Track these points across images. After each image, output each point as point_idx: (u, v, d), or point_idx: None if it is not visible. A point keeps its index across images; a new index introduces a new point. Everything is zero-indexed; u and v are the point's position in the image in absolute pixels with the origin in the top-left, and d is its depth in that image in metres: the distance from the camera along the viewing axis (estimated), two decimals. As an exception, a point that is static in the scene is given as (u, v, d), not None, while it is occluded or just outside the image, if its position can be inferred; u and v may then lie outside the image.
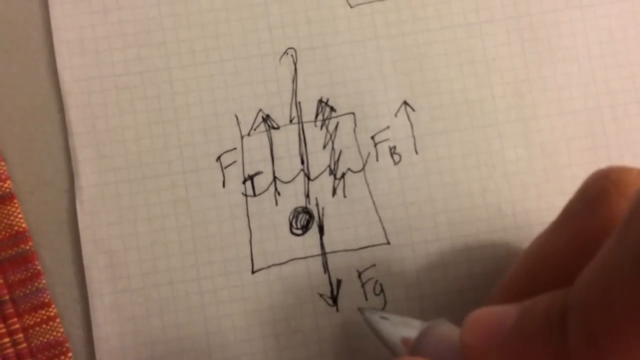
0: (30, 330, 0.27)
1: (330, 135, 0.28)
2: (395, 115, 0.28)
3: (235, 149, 0.28)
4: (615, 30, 0.29)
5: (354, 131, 0.28)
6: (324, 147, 0.28)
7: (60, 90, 0.28)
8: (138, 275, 0.27)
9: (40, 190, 0.28)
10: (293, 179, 0.28)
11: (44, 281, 0.27)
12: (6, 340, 0.27)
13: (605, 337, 0.16)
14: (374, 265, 0.28)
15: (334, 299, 0.28)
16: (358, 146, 0.28)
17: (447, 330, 0.22)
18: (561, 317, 0.17)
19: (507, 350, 0.19)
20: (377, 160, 0.28)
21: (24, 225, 0.27)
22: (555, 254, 0.21)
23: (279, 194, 0.28)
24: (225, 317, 0.27)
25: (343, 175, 0.28)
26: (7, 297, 0.27)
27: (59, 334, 0.27)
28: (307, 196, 0.28)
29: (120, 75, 0.28)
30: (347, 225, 0.28)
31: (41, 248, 0.27)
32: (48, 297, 0.27)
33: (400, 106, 0.29)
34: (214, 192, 0.28)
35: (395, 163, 0.28)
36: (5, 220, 0.27)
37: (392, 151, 0.28)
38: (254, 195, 0.28)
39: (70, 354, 0.27)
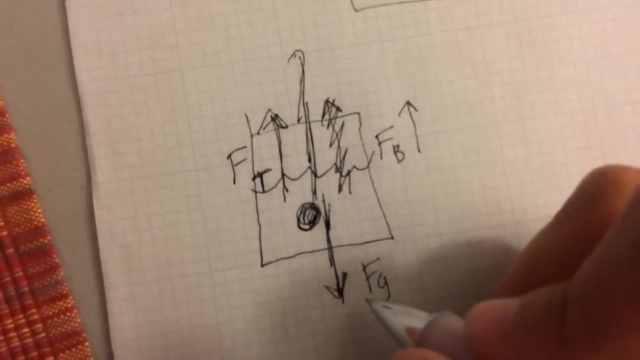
0: (49, 321, 0.28)
1: (337, 134, 0.29)
2: (399, 115, 0.29)
3: (245, 147, 0.29)
4: (610, 34, 0.30)
5: (359, 130, 0.29)
6: (330, 145, 0.29)
7: (78, 91, 0.29)
8: (152, 268, 0.28)
9: (58, 187, 0.29)
10: (300, 176, 0.29)
11: (61, 274, 0.28)
12: (25, 330, 0.28)
13: (603, 324, 0.16)
14: (378, 259, 0.29)
15: (340, 291, 0.28)
16: (363, 145, 0.29)
17: (452, 322, 0.23)
18: (561, 308, 0.18)
19: (509, 340, 0.19)
20: (381, 158, 0.29)
21: (42, 220, 0.28)
22: (554, 250, 0.22)
23: (287, 190, 0.29)
24: (236, 308, 0.28)
25: (349, 173, 0.29)
26: (26, 289, 0.28)
27: (76, 324, 0.28)
28: (314, 193, 0.29)
29: (135, 77, 0.29)
30: (353, 220, 0.29)
31: (59, 242, 0.28)
32: (66, 288, 0.28)
33: (404, 106, 0.29)
34: (225, 188, 0.29)
35: (399, 161, 0.29)
36: (25, 215, 0.28)
37: (396, 149, 0.29)
38: (263, 191, 0.29)
39: (87, 343, 0.28)
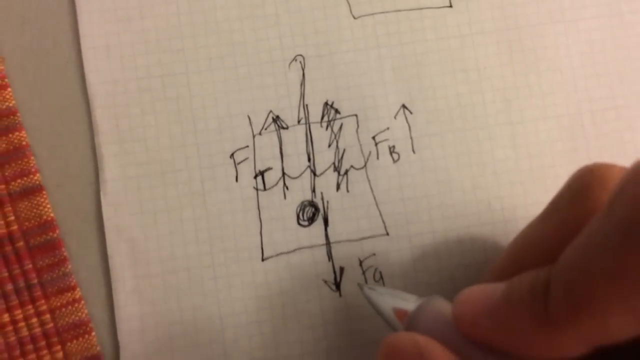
0: (57, 312, 0.29)
1: (335, 135, 0.31)
2: (395, 117, 0.31)
3: (247, 146, 0.30)
4: (595, 43, 0.32)
5: (357, 132, 0.31)
6: (329, 146, 0.30)
7: (87, 92, 0.30)
8: (157, 262, 0.29)
9: (67, 183, 0.30)
10: (300, 174, 0.30)
11: (69, 266, 0.29)
12: (34, 320, 0.29)
13: (584, 300, 0.17)
14: (374, 254, 0.30)
15: (337, 285, 0.30)
16: (360, 145, 0.31)
17: (441, 305, 0.23)
18: (544, 286, 0.18)
19: (495, 319, 0.20)
20: (377, 158, 0.30)
21: (51, 214, 0.29)
22: (541, 242, 0.23)
23: (287, 188, 0.30)
24: (238, 300, 0.29)
25: (346, 172, 0.30)
26: (35, 281, 0.29)
27: (84, 315, 0.29)
28: (313, 191, 0.30)
29: (143, 79, 0.30)
30: (350, 217, 0.30)
31: (67, 236, 0.29)
32: (73, 281, 0.29)
33: (399, 109, 0.31)
34: (228, 186, 0.30)
35: (394, 161, 0.30)
36: (35, 210, 0.29)
37: (392, 150, 0.31)
38: (264, 189, 0.30)
39: (93, 333, 0.29)
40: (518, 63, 0.31)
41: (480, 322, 0.20)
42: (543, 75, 0.31)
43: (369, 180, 0.30)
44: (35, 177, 0.29)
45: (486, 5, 0.31)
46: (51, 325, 0.29)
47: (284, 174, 0.30)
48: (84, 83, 0.30)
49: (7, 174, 0.29)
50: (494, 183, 0.31)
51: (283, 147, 0.30)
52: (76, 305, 0.29)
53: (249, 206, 0.30)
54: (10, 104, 0.29)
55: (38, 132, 0.30)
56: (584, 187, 0.22)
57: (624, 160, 0.30)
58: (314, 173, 0.30)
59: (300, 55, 0.31)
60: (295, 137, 0.30)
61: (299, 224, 0.30)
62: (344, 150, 0.30)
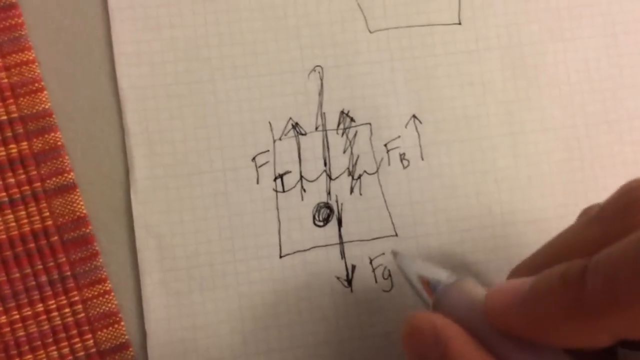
0: (88, 302, 0.31)
1: (350, 142, 0.32)
2: (405, 126, 0.33)
3: (268, 151, 0.32)
4: (591, 62, 0.34)
5: (370, 139, 0.32)
6: (344, 151, 0.32)
7: (119, 96, 0.31)
8: (183, 257, 0.31)
9: (99, 182, 0.31)
10: (317, 178, 0.32)
11: (100, 260, 0.31)
12: (67, 310, 0.31)
13: (624, 291, 0.17)
14: (383, 253, 0.32)
15: (349, 282, 0.32)
16: (373, 152, 0.32)
17: (471, 287, 0.23)
18: (580, 275, 0.18)
19: (523, 309, 0.20)
20: (389, 164, 0.32)
21: (84, 211, 0.31)
22: (580, 246, 0.23)
23: (304, 190, 0.32)
24: (257, 294, 0.31)
25: (359, 177, 0.32)
26: (68, 273, 0.31)
27: (113, 306, 0.31)
28: (329, 193, 0.32)
29: (171, 85, 0.32)
30: (362, 219, 0.32)
31: (99, 231, 0.31)
32: (104, 273, 0.31)
33: (410, 119, 0.33)
34: (249, 187, 0.32)
35: (404, 167, 0.32)
36: (69, 207, 0.31)
37: (402, 157, 0.32)
38: (283, 191, 0.32)
39: (122, 323, 0.31)
40: (520, 78, 0.33)
41: (509, 312, 0.20)
42: (543, 90, 0.33)
43: (380, 185, 0.32)
44: (70, 176, 0.31)
45: (492, 23, 0.33)
46: (83, 315, 0.31)
47: (301, 177, 0.32)
48: (115, 87, 0.32)
49: (42, 172, 0.31)
50: (495, 189, 0.33)
51: (301, 152, 0.32)
52: (106, 296, 0.31)
53: (268, 207, 0.32)
54: (47, 106, 0.31)
55: (72, 133, 0.31)
56: (633, 201, 0.22)
57: (614, 171, 0.33)
58: (329, 177, 0.32)
59: (319, 66, 0.32)
60: (312, 143, 0.32)
61: (314, 224, 0.32)
62: (358, 156, 0.32)
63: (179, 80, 0.32)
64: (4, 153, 0.31)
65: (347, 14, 0.33)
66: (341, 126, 0.32)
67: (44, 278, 0.31)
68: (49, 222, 0.31)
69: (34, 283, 0.30)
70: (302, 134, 0.32)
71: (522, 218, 0.33)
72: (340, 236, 0.32)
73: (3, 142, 0.31)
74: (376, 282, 0.32)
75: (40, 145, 0.31)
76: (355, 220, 0.32)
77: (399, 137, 0.33)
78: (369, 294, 0.31)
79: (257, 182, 0.32)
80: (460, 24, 0.33)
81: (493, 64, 0.33)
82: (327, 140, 0.32)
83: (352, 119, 0.32)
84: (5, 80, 0.31)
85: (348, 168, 0.32)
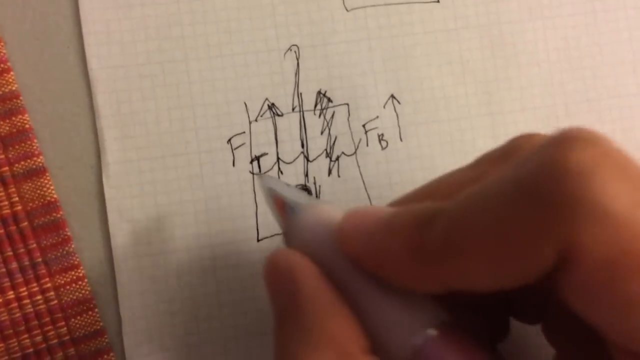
0: (61, 289, 0.30)
1: (327, 123, 0.32)
2: (384, 107, 0.32)
3: (244, 132, 0.32)
4: (570, 40, 0.34)
5: (348, 120, 0.32)
6: (322, 133, 0.32)
7: (89, 77, 0.31)
8: (158, 242, 0.31)
9: (69, 166, 0.31)
10: (294, 160, 0.32)
11: (73, 246, 0.30)
12: (39, 297, 0.30)
13: (457, 240, 0.17)
14: (362, 235, 0.32)
15: (328, 264, 0.32)
16: (351, 133, 0.32)
17: (329, 210, 0.22)
18: (429, 219, 0.18)
19: (372, 240, 0.19)
20: (367, 145, 0.32)
21: (55, 196, 0.30)
22: (454, 186, 0.22)
23: (281, 173, 0.32)
24: (235, 279, 0.31)
25: (337, 158, 0.32)
26: (40, 260, 0.30)
27: (87, 292, 0.30)
28: (306, 175, 0.32)
29: (143, 65, 0.31)
30: (340, 201, 0.32)
31: (70, 217, 0.30)
32: (77, 259, 0.30)
33: (388, 99, 0.32)
34: (225, 170, 0.31)
35: (383, 148, 0.32)
36: (38, 191, 0.30)
37: (380, 138, 0.32)
38: (260, 173, 0.32)
39: (96, 310, 0.30)
40: (499, 57, 0.33)
41: (358, 239, 0.20)
42: (522, 69, 0.33)
43: (358, 166, 0.32)
44: (39, 160, 0.30)
45: (471, 1, 0.33)
46: (55, 302, 0.30)
47: (278, 159, 0.32)
48: (85, 68, 0.31)
49: (10, 156, 0.30)
50: (474, 170, 0.33)
51: (278, 134, 0.32)
52: (79, 283, 0.30)
53: (245, 189, 0.31)
54: (13, 88, 0.30)
55: (41, 115, 0.31)
56: (515, 148, 0.22)
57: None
58: (307, 158, 0.32)
59: (295, 45, 0.32)
60: (289, 124, 0.32)
61: (292, 206, 0.32)
62: (336, 137, 0.32)
63: (151, 59, 0.31)
64: (-31, 136, 0.30)
65: (324, -8, 0.32)
66: (318, 107, 0.32)
67: (14, 265, 0.30)
68: (19, 207, 0.30)
69: (4, 270, 0.30)
70: (278, 115, 0.32)
71: (501, 198, 0.32)
72: (318, 219, 0.31)
73: (-32, 125, 0.30)
74: (355, 264, 0.31)
75: (7, 128, 0.30)
76: (334, 203, 0.32)
77: (377, 117, 0.32)
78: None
79: (233, 165, 0.31)
80: (438, 1, 0.33)
81: (472, 42, 0.33)
82: (304, 121, 0.32)
83: (329, 100, 0.32)
84: (-31, 61, 0.30)
85: (326, 149, 0.32)
